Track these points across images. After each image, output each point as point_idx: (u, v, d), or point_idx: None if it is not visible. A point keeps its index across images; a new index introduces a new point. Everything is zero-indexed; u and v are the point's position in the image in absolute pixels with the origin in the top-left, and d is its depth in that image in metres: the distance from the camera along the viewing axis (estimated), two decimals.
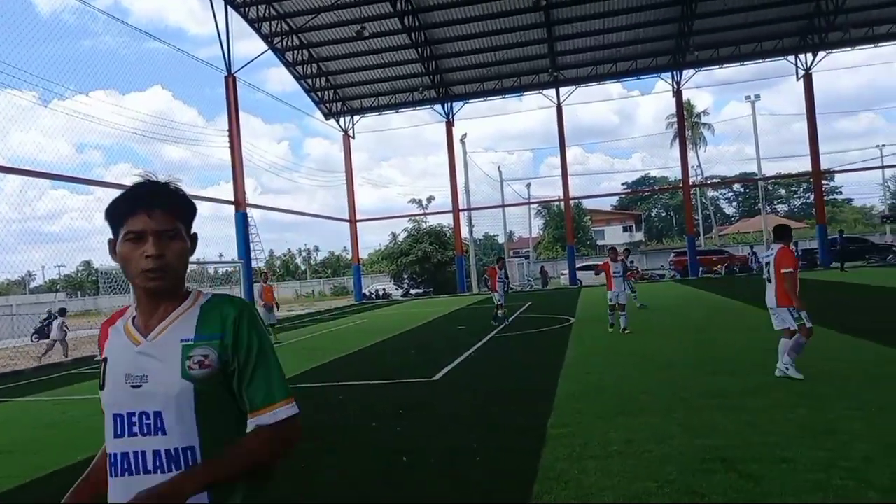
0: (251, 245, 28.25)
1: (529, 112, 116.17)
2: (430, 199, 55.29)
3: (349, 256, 45.40)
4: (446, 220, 43.84)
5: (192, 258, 1.62)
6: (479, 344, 12.71)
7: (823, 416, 5.53)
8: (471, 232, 42.91)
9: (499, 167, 51.73)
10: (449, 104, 38.32)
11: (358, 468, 5.25)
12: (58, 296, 45.19)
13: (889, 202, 61.60)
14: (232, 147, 26.91)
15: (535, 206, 59.81)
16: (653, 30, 33.61)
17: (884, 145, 76.56)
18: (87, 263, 73.95)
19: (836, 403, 5.91)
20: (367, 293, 42.88)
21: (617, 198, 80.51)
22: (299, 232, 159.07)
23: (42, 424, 8.36)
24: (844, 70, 67.15)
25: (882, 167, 53.63)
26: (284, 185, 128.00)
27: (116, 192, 1.63)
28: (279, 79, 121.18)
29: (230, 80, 27.15)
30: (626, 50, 34.84)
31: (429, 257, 44.55)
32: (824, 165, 37.33)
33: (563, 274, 44.14)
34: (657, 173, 78.80)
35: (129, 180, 1.59)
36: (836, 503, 3.72)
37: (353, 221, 39.57)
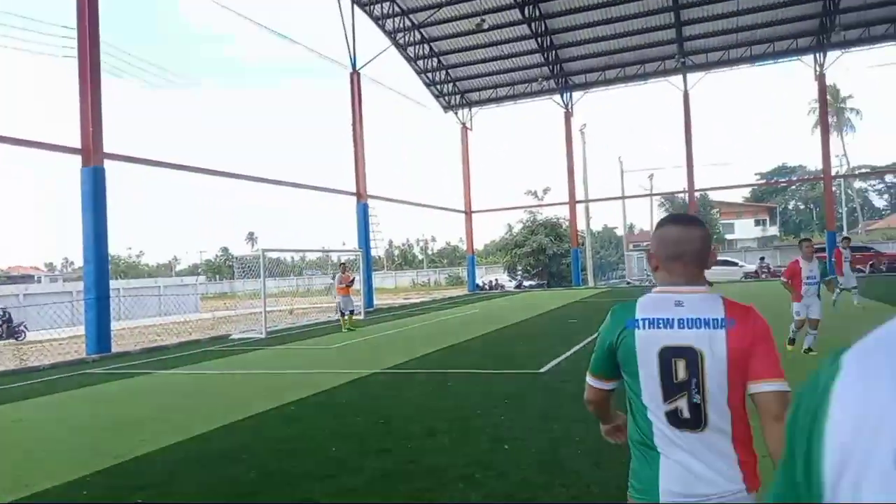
0: (372, 234, 29.40)
1: (654, 99, 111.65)
2: (546, 190, 54.79)
3: (465, 247, 46.00)
4: (562, 212, 43.28)
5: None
6: (590, 338, 12.53)
7: None
8: (588, 224, 42.08)
9: (619, 157, 50.25)
10: (568, 94, 37.69)
11: (460, 453, 5.43)
12: (199, 279, 49.26)
13: None
14: (355, 140, 28.09)
15: (657, 197, 57.58)
16: (793, 9, 31.15)
17: None
18: (225, 249, 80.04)
19: None
20: (481, 284, 43.29)
21: (749, 189, 75.70)
22: (418, 222, 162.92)
23: (181, 394, 9.29)
24: None
25: None
26: (405, 177, 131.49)
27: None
28: (398, 72, 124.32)
29: (355, 76, 28.30)
30: (763, 32, 32.57)
31: (543, 249, 44.21)
32: None
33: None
34: (796, 162, 73.29)
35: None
36: None
37: (468, 213, 40.03)
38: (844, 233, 48.07)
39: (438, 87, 38.16)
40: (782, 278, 9.80)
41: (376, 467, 5.16)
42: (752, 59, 34.78)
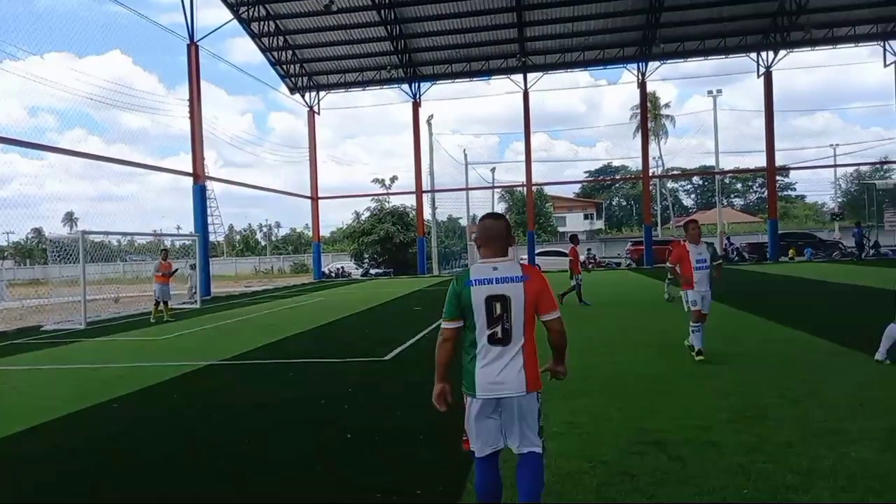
0: (210, 218, 27.79)
1: (497, 96, 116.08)
2: (393, 178, 55.14)
3: (311, 233, 45.02)
4: (409, 201, 43.81)
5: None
6: (435, 325, 12.80)
7: (754, 402, 5.77)
8: (433, 213, 42.95)
9: (464, 150, 51.74)
10: (416, 84, 38.08)
11: (303, 444, 5.30)
12: (5, 263, 43.71)
13: (839, 200, 63.73)
14: (192, 117, 26.32)
15: (498, 190, 60.12)
16: (621, 20, 33.87)
17: (837, 145, 78.94)
18: (38, 231, 71.61)
19: (768, 391, 6.18)
20: (327, 271, 42.65)
21: (579, 185, 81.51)
22: (261, 207, 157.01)
23: None
24: (804, 69, 68.93)
25: (834, 166, 55.47)
26: (247, 159, 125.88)
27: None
28: (244, 50, 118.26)
29: (192, 49, 26.48)
30: (595, 39, 35.05)
31: (390, 237, 44.46)
32: (780, 162, 38.43)
33: (522, 259, 44.54)
34: (619, 163, 79.98)
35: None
36: (756, 484, 3.92)
37: (315, 199, 39.19)
38: (659, 228, 53.27)
39: (285, 67, 36.83)
40: (668, 264, 8.60)
41: (209, 465, 4.88)
42: (586, 64, 37.33)
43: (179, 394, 7.57)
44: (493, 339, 3.07)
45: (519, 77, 37.02)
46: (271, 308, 19.60)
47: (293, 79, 37.69)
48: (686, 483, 3.98)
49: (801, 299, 15.35)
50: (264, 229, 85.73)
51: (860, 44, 35.64)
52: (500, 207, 67.18)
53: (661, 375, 7.16)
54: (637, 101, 41.92)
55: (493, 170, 54.09)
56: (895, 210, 36.69)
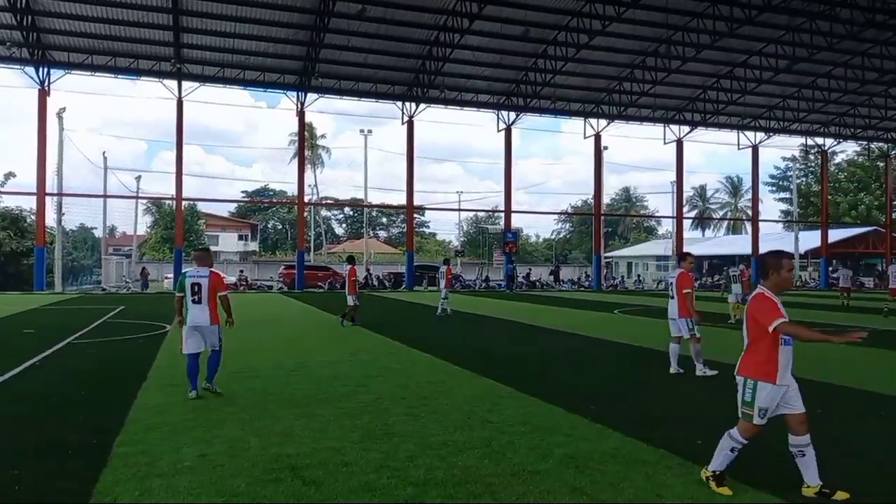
0: None
1: (147, 100, 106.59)
2: (8, 175, 46.01)
3: None
4: (28, 203, 37.13)
5: None
6: (50, 351, 10.96)
7: (383, 421, 6.27)
8: (59, 221, 37.03)
9: (104, 153, 45.87)
10: (45, 69, 32.72)
11: None
12: None
13: (462, 239, 74.22)
14: None
15: (143, 201, 54.97)
16: (282, 48, 34.35)
17: (461, 192, 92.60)
18: None
19: (395, 409, 6.78)
20: None
21: (235, 205, 79.32)
22: None
23: None
24: (439, 123, 79.39)
25: (459, 210, 64.51)
26: None
27: None
28: None
29: None
30: (256, 60, 34.82)
31: None
32: (417, 202, 43.20)
33: (167, 277, 41.31)
34: (277, 187, 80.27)
35: None
36: (380, 499, 4.24)
37: None
38: (312, 254, 54.67)
39: None
40: (776, 322, 4.01)
41: None
42: (245, 83, 36.94)
43: None
44: (194, 302, 7.32)
45: (173, 83, 34.65)
46: None
47: None
48: None
49: (434, 326, 17.32)
50: None
51: (481, 109, 42.43)
52: (145, 220, 61.48)
53: (303, 399, 7.31)
54: (296, 128, 42.83)
55: (138, 178, 49.07)
56: (502, 251, 44.17)
